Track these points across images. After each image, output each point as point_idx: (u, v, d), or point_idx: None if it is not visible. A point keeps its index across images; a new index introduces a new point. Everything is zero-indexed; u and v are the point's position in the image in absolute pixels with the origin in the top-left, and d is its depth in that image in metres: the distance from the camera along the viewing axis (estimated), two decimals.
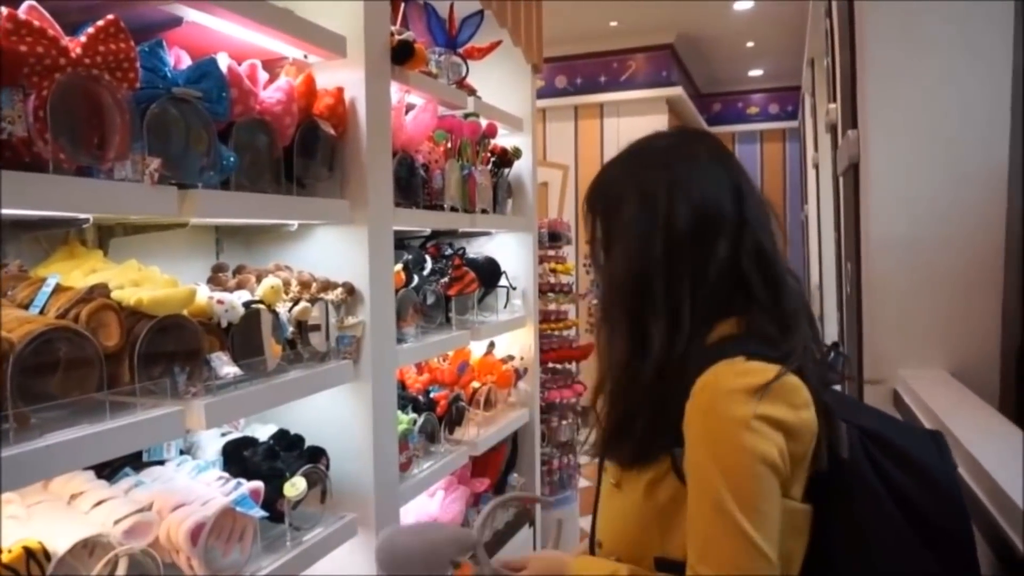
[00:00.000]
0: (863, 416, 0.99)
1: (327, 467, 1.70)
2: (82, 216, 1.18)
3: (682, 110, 7.39)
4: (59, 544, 1.15)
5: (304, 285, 1.64)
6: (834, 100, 3.07)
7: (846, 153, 2.07)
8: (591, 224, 1.07)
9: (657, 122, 6.68)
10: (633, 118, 6.78)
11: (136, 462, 1.47)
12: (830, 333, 4.81)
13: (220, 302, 1.38)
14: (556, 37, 5.98)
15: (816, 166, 5.34)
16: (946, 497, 0.91)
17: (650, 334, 0.96)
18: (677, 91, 6.80)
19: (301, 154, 1.61)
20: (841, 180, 2.59)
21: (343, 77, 1.74)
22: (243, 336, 1.43)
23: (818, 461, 0.90)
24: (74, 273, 1.31)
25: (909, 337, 1.83)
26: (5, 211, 0.99)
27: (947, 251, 1.78)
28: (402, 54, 1.88)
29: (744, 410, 0.85)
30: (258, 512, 1.41)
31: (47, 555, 1.10)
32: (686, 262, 0.95)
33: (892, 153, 1.82)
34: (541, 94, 5.83)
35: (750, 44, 7.28)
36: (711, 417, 0.87)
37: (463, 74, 2.45)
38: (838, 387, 1.04)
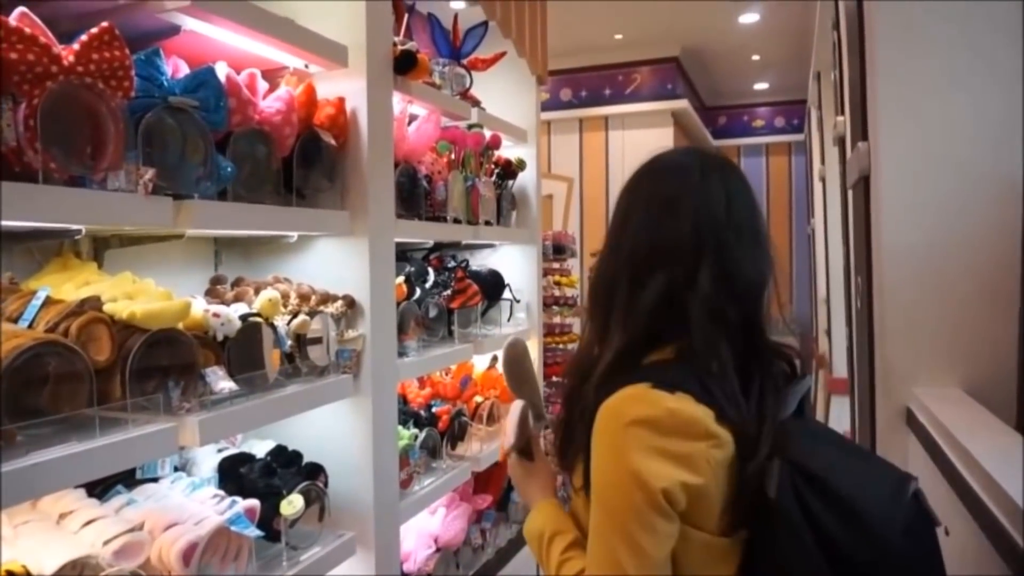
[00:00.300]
0: (820, 452, 0.95)
1: (325, 484, 1.66)
2: (74, 227, 1.15)
3: (687, 123, 7.38)
4: (46, 566, 1.11)
5: (303, 298, 1.61)
6: (842, 113, 3.04)
7: (856, 165, 2.03)
8: None
9: (662, 135, 6.67)
10: (638, 131, 6.77)
11: (129, 479, 1.44)
12: (839, 349, 4.76)
13: (216, 315, 1.35)
14: (561, 50, 5.99)
15: (823, 179, 5.31)
16: (877, 541, 0.87)
17: (600, 340, 1.00)
18: (682, 104, 6.79)
19: (301, 165, 1.58)
20: (851, 193, 2.56)
21: (344, 87, 1.71)
22: (240, 350, 1.39)
23: (739, 496, 0.89)
24: (67, 285, 1.28)
25: (922, 353, 1.79)
26: None
27: (962, 264, 1.73)
28: (404, 64, 1.85)
29: (631, 439, 0.87)
30: (253, 532, 1.37)
31: None
32: (639, 283, 0.97)
33: (904, 165, 1.78)
34: (546, 107, 5.83)
35: (756, 57, 7.28)
36: (601, 441, 0.90)
37: (467, 85, 2.44)
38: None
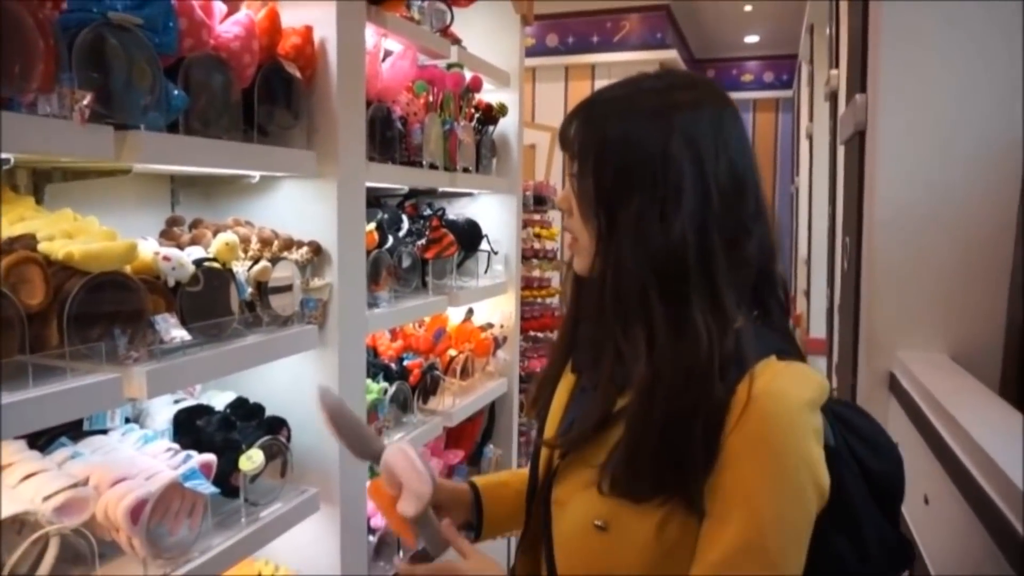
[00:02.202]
0: None
1: (288, 438, 1.59)
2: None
3: None
4: None
5: (265, 243, 1.51)
6: (836, 67, 2.94)
7: (851, 119, 1.95)
8: (591, 173, 0.85)
9: None
10: None
11: (76, 431, 1.35)
12: (817, 309, 4.75)
13: (167, 259, 1.25)
14: None
15: (810, 137, 5.22)
16: (894, 462, 0.91)
17: (694, 324, 0.78)
18: (671, 54, 6.62)
19: (263, 98, 1.46)
20: (842, 149, 2.48)
21: (312, 15, 1.58)
22: (196, 297, 1.30)
23: None
24: None
25: (910, 317, 1.74)
26: None
27: (955, 226, 1.67)
28: None
29: (802, 424, 0.75)
30: (208, 488, 1.30)
31: None
32: (727, 232, 0.81)
33: (903, 119, 1.70)
34: (531, 53, 5.63)
35: (748, 8, 7.09)
36: (774, 434, 0.74)
37: (447, 21, 2.29)
38: None
